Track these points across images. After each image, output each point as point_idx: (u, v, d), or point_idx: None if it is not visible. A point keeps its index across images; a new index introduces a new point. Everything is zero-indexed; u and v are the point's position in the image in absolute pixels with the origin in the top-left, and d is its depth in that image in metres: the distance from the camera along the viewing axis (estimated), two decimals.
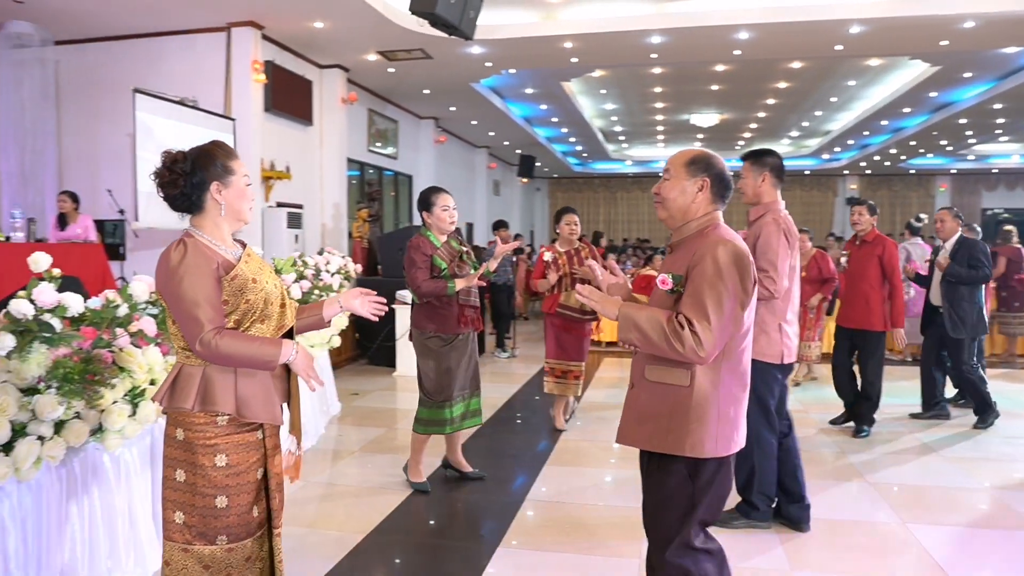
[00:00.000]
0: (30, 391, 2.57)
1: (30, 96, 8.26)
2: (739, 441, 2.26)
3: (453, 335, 4.14)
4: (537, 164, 20.67)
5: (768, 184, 3.63)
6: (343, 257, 6.44)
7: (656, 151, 21.64)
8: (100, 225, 7.81)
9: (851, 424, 5.62)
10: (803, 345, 6.49)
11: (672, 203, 2.30)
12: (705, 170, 2.28)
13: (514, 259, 10.34)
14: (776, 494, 3.74)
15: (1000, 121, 15.25)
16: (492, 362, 9.00)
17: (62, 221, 7.30)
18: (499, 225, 9.07)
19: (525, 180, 22.09)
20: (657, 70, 12.13)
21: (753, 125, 17.36)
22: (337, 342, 5.71)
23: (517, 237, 13.67)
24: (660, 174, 2.38)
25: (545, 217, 26.01)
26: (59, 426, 2.65)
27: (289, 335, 2.26)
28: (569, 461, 4.94)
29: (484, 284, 4.24)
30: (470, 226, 18.08)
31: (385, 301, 2.42)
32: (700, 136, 18.73)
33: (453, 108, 13.98)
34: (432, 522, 3.94)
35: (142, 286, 3.23)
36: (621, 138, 19.85)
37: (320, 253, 6.22)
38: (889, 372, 7.70)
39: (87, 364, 2.73)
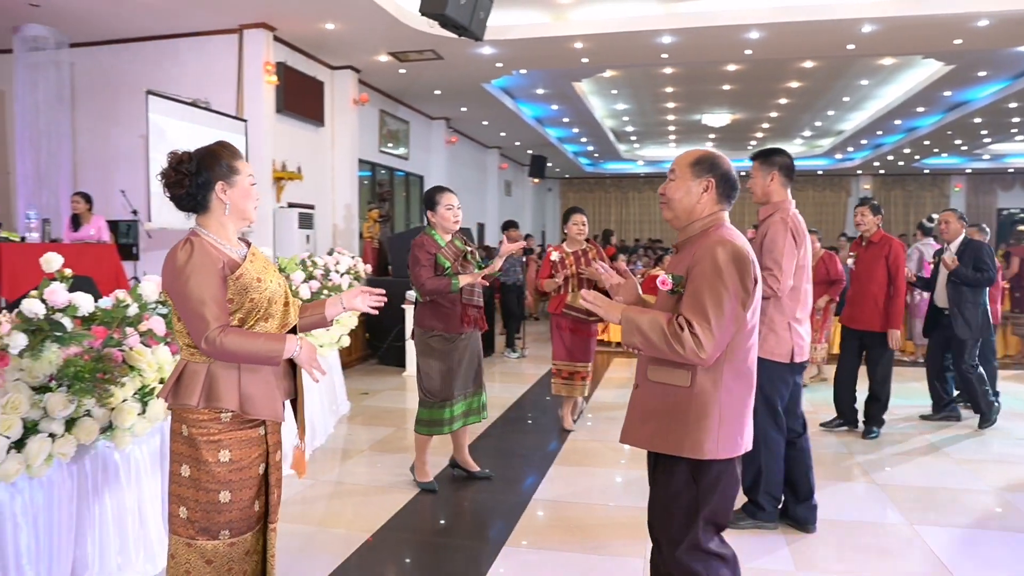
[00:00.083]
0: (42, 389, 2.61)
1: (45, 98, 8.36)
2: (745, 443, 2.25)
3: (456, 334, 4.16)
4: (548, 164, 20.68)
5: (777, 183, 3.63)
6: (352, 257, 6.48)
7: (668, 151, 21.57)
8: (114, 225, 7.89)
9: (843, 426, 5.59)
10: (810, 347, 6.46)
11: (677, 203, 2.30)
12: (710, 170, 2.27)
13: (524, 259, 10.35)
14: (784, 494, 3.74)
15: (1016, 120, 15.11)
16: (502, 362, 9.02)
17: (75, 222, 7.38)
18: (508, 225, 9.08)
19: (536, 180, 22.09)
20: (668, 70, 12.11)
21: (765, 125, 17.29)
22: (347, 342, 5.75)
23: (527, 237, 13.68)
24: None
25: (556, 217, 26.00)
26: (70, 424, 2.69)
27: (292, 333, 2.29)
28: (577, 461, 4.95)
29: (488, 285, 4.24)
30: (481, 226, 18.11)
31: (384, 292, 2.44)
32: (712, 136, 18.67)
33: (464, 109, 14.02)
34: (438, 521, 3.96)
35: (152, 286, 3.27)
36: (633, 138, 19.82)
37: (330, 253, 6.26)
38: (900, 373, 7.67)
39: (98, 363, 2.77)
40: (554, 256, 5.52)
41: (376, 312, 2.44)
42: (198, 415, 2.12)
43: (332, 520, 3.89)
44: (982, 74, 11.75)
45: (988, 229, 7.04)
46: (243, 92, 8.75)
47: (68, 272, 2.85)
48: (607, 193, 26.18)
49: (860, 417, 5.59)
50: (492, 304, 9.57)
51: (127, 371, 2.92)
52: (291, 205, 9.54)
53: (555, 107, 14.73)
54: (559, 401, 5.85)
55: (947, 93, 13.13)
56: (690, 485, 2.21)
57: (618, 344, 9.70)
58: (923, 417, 6.00)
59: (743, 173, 3.79)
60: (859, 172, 23.73)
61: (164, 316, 3.23)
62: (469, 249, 4.25)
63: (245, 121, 8.67)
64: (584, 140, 19.13)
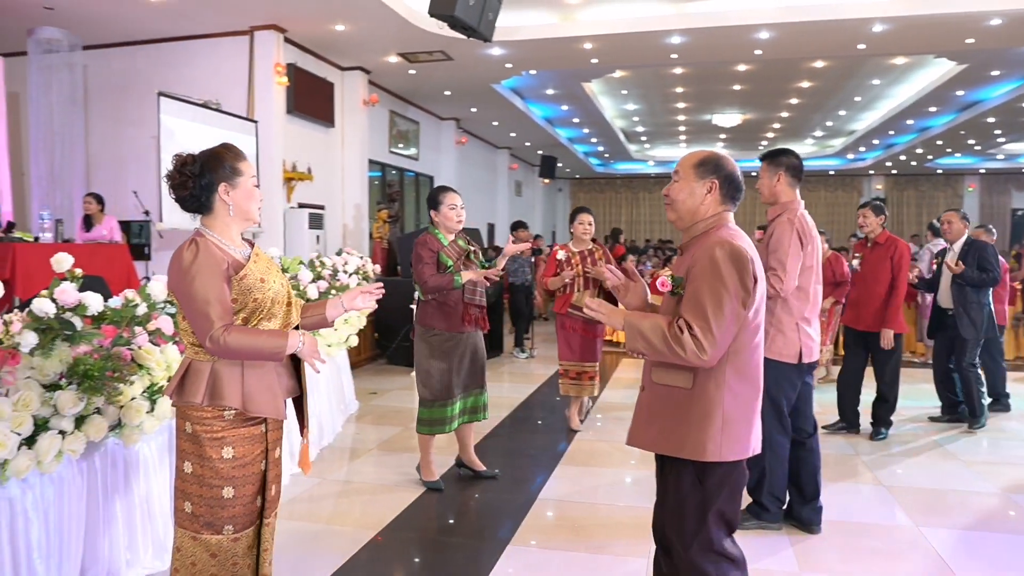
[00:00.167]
0: (52, 387, 2.66)
1: (59, 100, 8.45)
2: (751, 446, 2.23)
3: (457, 333, 4.18)
4: (559, 165, 20.68)
5: (784, 184, 3.63)
6: (361, 257, 6.51)
7: (679, 151, 21.52)
8: (126, 226, 7.98)
9: (844, 429, 5.56)
10: None
11: (681, 205, 2.30)
12: (714, 172, 2.26)
13: (533, 259, 10.37)
14: (790, 495, 3.74)
15: None
16: (511, 362, 9.04)
17: (87, 222, 7.46)
18: (517, 226, 9.09)
19: (547, 181, 22.11)
20: (678, 70, 12.09)
21: (776, 125, 17.23)
22: (355, 342, 5.79)
23: (537, 238, 13.69)
24: None
25: (567, 218, 25.96)
26: (80, 421, 2.73)
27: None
28: (583, 461, 4.96)
29: (489, 285, 4.25)
30: (491, 227, 18.14)
31: (382, 285, 2.48)
32: (723, 136, 18.63)
33: (474, 109, 14.05)
34: (444, 520, 3.99)
35: (160, 286, 3.31)
36: (643, 138, 19.80)
37: (338, 253, 6.30)
38: (910, 374, 7.64)
39: (107, 361, 2.81)
40: (560, 255, 5.54)
41: (376, 305, 2.47)
42: (202, 412, 2.16)
43: (340, 518, 3.93)
44: (995, 73, 11.67)
45: (995, 230, 7.00)
46: (254, 93, 8.82)
47: (78, 272, 2.89)
48: (618, 193, 26.14)
49: (863, 420, 5.56)
50: (501, 304, 9.59)
51: (136, 369, 2.96)
52: (301, 205, 9.60)
53: (565, 107, 14.74)
54: (567, 401, 5.87)
55: (960, 92, 13.05)
56: (697, 487, 2.21)
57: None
58: (932, 419, 5.97)
59: (753, 174, 3.80)
60: (871, 172, 23.60)
61: (172, 315, 3.28)
62: (472, 249, 4.28)
63: (256, 122, 8.74)
64: (594, 140, 19.13)
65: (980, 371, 5.74)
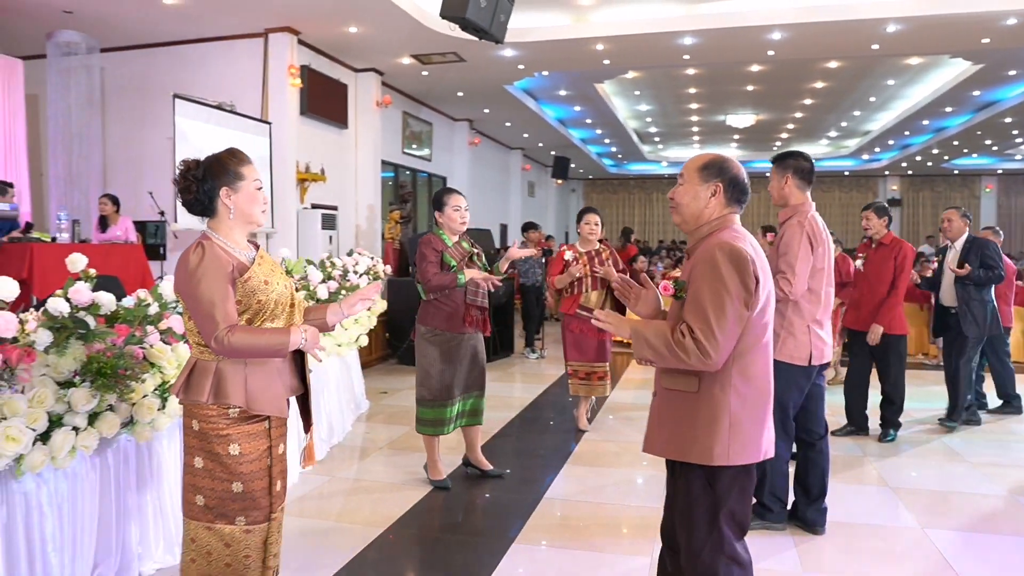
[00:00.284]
0: (66, 384, 2.72)
1: (77, 102, 8.58)
2: (763, 449, 2.21)
3: (458, 334, 4.22)
4: (572, 165, 20.68)
5: (792, 186, 3.64)
6: (372, 258, 6.56)
7: (692, 152, 21.46)
8: (142, 226, 8.09)
9: (853, 432, 5.52)
10: None
11: (685, 208, 2.30)
12: (718, 175, 2.26)
13: (544, 260, 10.39)
14: (796, 495, 3.74)
15: None
16: (521, 362, 9.07)
17: (103, 223, 7.58)
18: (528, 227, 9.12)
19: (560, 182, 22.11)
20: (691, 71, 12.07)
21: (790, 126, 17.15)
22: (365, 341, 5.84)
23: (548, 239, 13.71)
24: None
25: None
26: (93, 418, 2.79)
27: None
28: (590, 461, 4.99)
29: (493, 288, 4.27)
30: (504, 227, 18.18)
31: (379, 285, 2.54)
32: (736, 137, 18.56)
33: (487, 110, 14.10)
34: (450, 518, 4.03)
35: (171, 286, 3.37)
36: (656, 139, 19.77)
37: (349, 254, 6.35)
38: (920, 376, 7.61)
39: (119, 360, 2.87)
40: (567, 255, 5.57)
41: (373, 303, 2.52)
42: (207, 411, 2.22)
43: (349, 515, 3.98)
44: (1012, 73, 11.57)
45: (1001, 232, 6.95)
46: (268, 95, 8.91)
47: (92, 272, 2.95)
48: (631, 194, 26.09)
49: (871, 422, 5.53)
50: (512, 305, 9.62)
51: (147, 368, 3.02)
52: (314, 206, 9.68)
53: (578, 108, 14.75)
54: (577, 402, 5.90)
55: (976, 93, 12.94)
56: (707, 491, 2.21)
57: None
58: (941, 421, 5.94)
59: (767, 175, 3.81)
60: (887, 173, 23.42)
61: (183, 315, 3.34)
62: (475, 251, 4.32)
63: (269, 123, 8.83)
64: (607, 141, 19.12)
65: (984, 373, 5.70)
